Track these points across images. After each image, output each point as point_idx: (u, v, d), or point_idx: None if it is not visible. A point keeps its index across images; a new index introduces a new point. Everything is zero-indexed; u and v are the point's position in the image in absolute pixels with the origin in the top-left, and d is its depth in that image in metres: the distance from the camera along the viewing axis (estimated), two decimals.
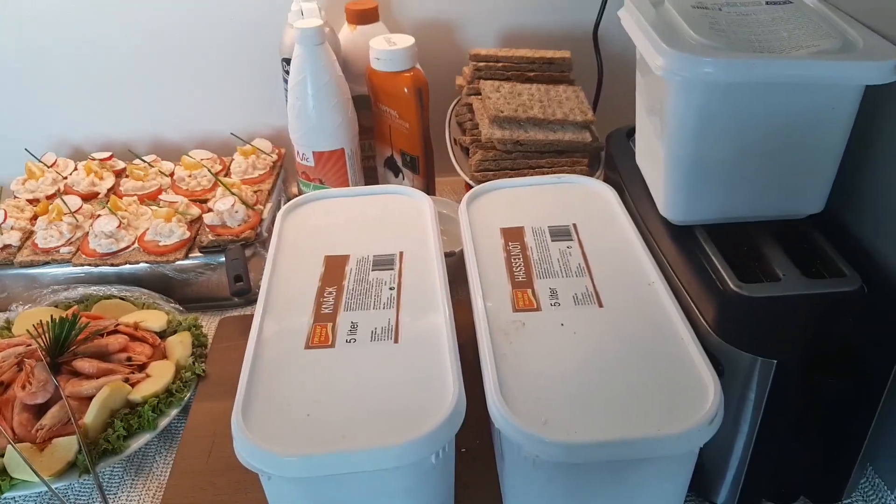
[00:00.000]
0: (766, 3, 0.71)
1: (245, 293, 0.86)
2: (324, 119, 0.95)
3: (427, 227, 0.75)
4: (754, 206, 0.65)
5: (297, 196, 1.09)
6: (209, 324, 0.91)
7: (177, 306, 0.92)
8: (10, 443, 0.70)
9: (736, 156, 0.63)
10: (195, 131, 1.20)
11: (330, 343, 0.61)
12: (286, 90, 1.05)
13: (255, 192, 1.03)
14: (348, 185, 1.01)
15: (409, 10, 1.11)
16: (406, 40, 0.98)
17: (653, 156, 0.70)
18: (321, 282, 0.68)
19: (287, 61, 1.02)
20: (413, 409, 0.54)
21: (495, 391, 0.54)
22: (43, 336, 0.79)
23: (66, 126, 1.18)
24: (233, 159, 1.11)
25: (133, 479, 0.74)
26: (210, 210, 0.98)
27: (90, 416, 0.73)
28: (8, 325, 0.89)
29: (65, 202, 0.98)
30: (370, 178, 1.10)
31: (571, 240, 0.72)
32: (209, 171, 1.05)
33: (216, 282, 0.95)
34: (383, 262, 0.71)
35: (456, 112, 1.06)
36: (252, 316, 0.91)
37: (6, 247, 0.94)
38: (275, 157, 1.11)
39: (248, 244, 0.95)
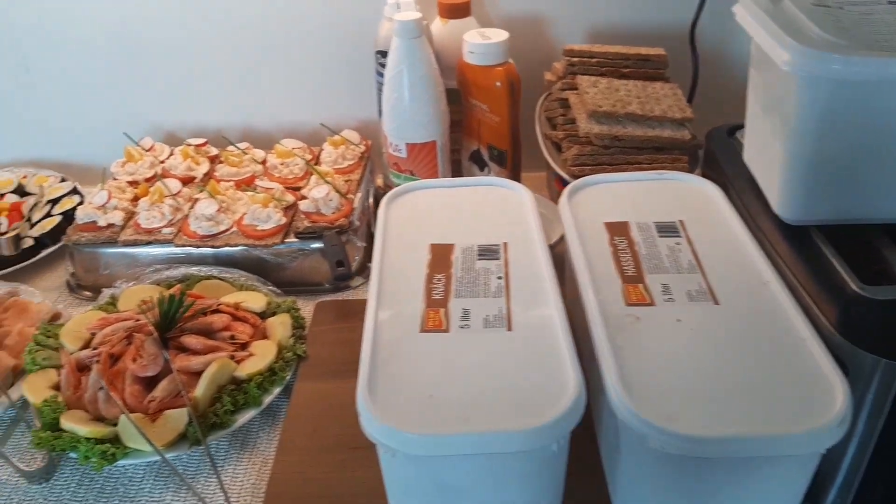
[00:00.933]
0: (889, 2, 0.70)
1: (347, 278, 0.88)
2: (418, 111, 0.97)
3: (529, 219, 0.76)
4: (875, 208, 0.64)
5: (381, 187, 1.12)
6: (303, 307, 0.93)
7: (274, 289, 0.94)
8: (124, 413, 0.73)
9: (860, 155, 0.62)
10: (284, 121, 1.22)
11: (444, 328, 0.62)
12: (379, 82, 1.07)
13: (346, 181, 1.05)
14: (437, 177, 1.02)
15: (500, 5, 1.12)
16: (500, 34, 0.99)
17: (767, 154, 0.69)
18: (429, 269, 0.70)
19: (382, 54, 1.04)
20: (534, 396, 0.55)
21: (618, 383, 0.54)
22: (152, 312, 0.83)
23: (161, 112, 1.22)
24: (322, 149, 1.13)
25: (238, 453, 0.76)
26: (305, 197, 1.01)
27: (200, 390, 0.76)
28: (113, 301, 0.92)
29: (165, 185, 1.02)
30: (454, 171, 1.11)
31: (679, 236, 0.71)
32: (303, 160, 1.07)
33: (308, 267, 0.98)
34: (488, 252, 0.71)
35: (545, 107, 1.06)
36: (348, 301, 0.96)
37: (110, 225, 0.98)
38: (363, 148, 1.13)
39: (342, 231, 0.97)
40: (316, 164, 1.11)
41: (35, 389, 0.79)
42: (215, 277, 0.94)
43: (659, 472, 0.55)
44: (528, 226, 0.75)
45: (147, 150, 1.14)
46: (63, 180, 1.19)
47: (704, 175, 0.86)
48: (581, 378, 0.55)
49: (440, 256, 0.71)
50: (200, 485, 0.73)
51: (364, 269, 1.01)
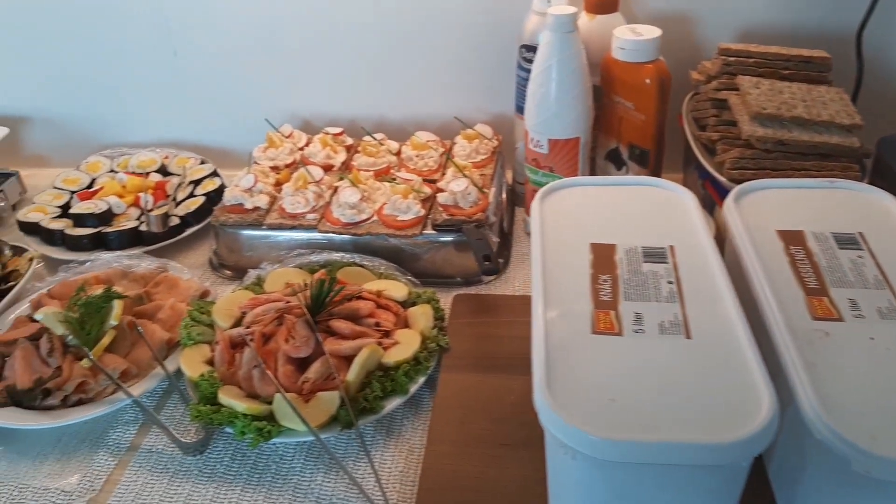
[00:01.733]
0: None
1: (494, 272, 0.88)
2: (565, 107, 0.95)
3: (695, 222, 0.73)
4: None
5: (511, 183, 1.11)
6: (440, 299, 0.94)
7: (412, 278, 0.95)
8: (281, 393, 0.75)
9: None
10: (415, 113, 1.23)
11: (617, 331, 0.61)
12: (520, 77, 1.06)
13: (481, 175, 1.05)
14: (577, 174, 1.00)
15: (646, 1, 1.09)
16: (652, 31, 0.96)
17: None
18: (593, 269, 0.68)
19: (527, 48, 1.02)
20: (723, 409, 0.52)
21: (815, 400, 0.52)
22: (303, 295, 0.85)
23: (297, 100, 1.24)
24: (454, 142, 1.14)
25: (385, 440, 0.77)
26: (441, 190, 1.01)
27: (352, 375, 0.77)
28: (259, 282, 0.95)
29: (309, 172, 1.04)
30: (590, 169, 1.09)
31: (861, 249, 0.67)
32: (439, 153, 1.07)
33: (440, 259, 0.98)
34: (654, 255, 0.69)
35: (691, 107, 1.03)
36: (484, 296, 0.96)
37: (256, 208, 1.01)
38: (495, 142, 1.12)
39: (480, 226, 0.97)
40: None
41: (190, 363, 0.82)
42: (357, 265, 0.95)
43: (853, 495, 0.52)
44: (693, 229, 0.72)
45: (287, 137, 1.16)
46: (203, 162, 1.23)
47: (874, 185, 0.81)
48: (775, 394, 0.53)
49: (603, 256, 0.70)
50: (349, 467, 0.74)
51: (498, 265, 1.01)
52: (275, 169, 1.10)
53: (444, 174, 1.07)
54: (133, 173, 1.19)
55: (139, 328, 0.85)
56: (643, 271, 0.67)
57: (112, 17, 1.19)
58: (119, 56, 1.23)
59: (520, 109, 1.09)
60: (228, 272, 1.04)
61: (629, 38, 0.95)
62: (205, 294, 0.95)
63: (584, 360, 0.58)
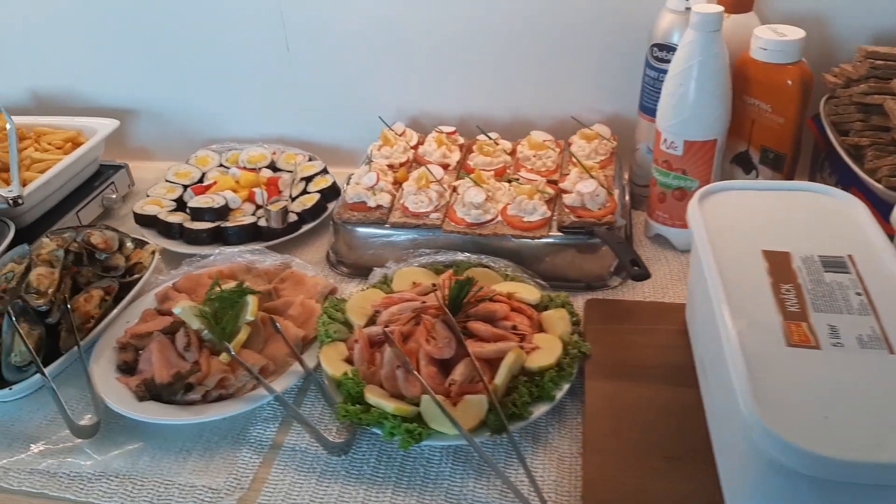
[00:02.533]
0: None
1: (644, 278, 0.85)
2: (705, 108, 0.92)
3: (871, 231, 0.70)
4: None
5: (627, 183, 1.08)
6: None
7: (540, 281, 0.93)
8: (431, 395, 0.73)
9: None
10: (525, 111, 1.21)
11: (814, 344, 0.58)
12: (648, 76, 1.03)
13: (605, 176, 1.02)
14: (710, 178, 0.97)
15: (781, 2, 1.05)
16: (796, 32, 0.93)
17: None
18: (771, 277, 0.65)
19: (659, 46, 1.00)
20: None
21: None
22: (440, 295, 0.83)
23: (406, 98, 1.23)
24: (571, 142, 1.11)
25: (532, 447, 0.75)
26: (566, 191, 0.99)
27: (499, 379, 0.75)
28: (385, 281, 0.94)
29: (430, 171, 1.02)
30: None
31: None
32: (556, 152, 1.05)
33: (563, 262, 0.96)
34: (834, 264, 0.66)
35: (828, 111, 0.99)
36: (616, 301, 0.93)
37: (378, 207, 1.00)
38: (614, 143, 1.10)
39: (610, 228, 0.94)
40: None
41: (331, 361, 0.81)
42: (484, 266, 0.93)
43: None
44: (869, 238, 0.69)
45: (399, 135, 1.15)
46: (311, 159, 1.23)
47: None
48: None
49: (779, 264, 0.67)
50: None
51: (620, 270, 0.98)
52: (390, 167, 1.09)
53: (562, 174, 1.04)
54: (245, 168, 1.20)
55: (277, 324, 0.84)
56: (826, 281, 0.64)
57: (227, 9, 1.19)
58: (230, 49, 1.23)
59: (645, 109, 1.06)
60: (346, 269, 1.03)
61: (772, 38, 0.92)
62: (333, 291, 0.94)
63: (784, 374, 0.55)
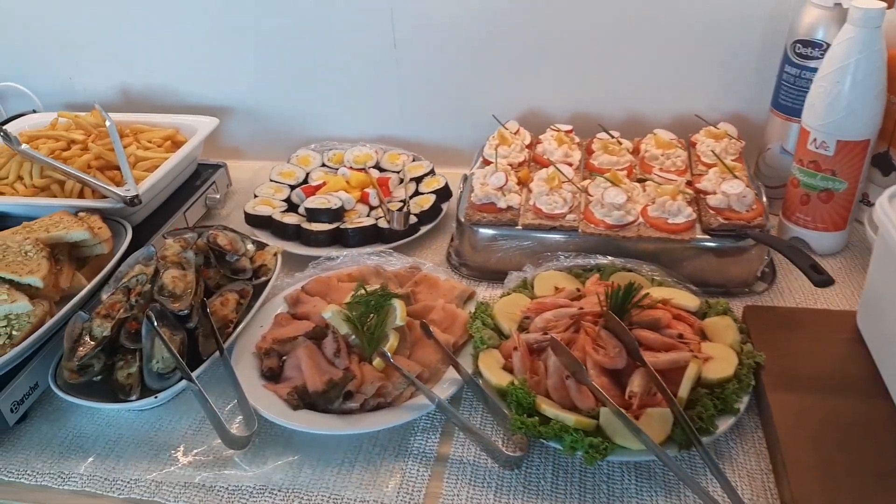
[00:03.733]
0: None
1: (828, 284, 0.81)
2: (862, 107, 0.88)
3: None
4: None
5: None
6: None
7: (691, 286, 0.89)
8: (614, 408, 0.69)
9: None
10: (640, 108, 1.17)
11: None
12: (788, 73, 0.99)
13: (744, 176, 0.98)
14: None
15: None
16: None
17: None
18: None
19: (802, 43, 0.96)
20: None
21: None
22: (601, 301, 0.79)
23: (517, 96, 1.19)
24: (695, 141, 1.08)
25: (723, 464, 0.71)
26: (706, 192, 0.95)
27: (683, 391, 0.72)
28: (525, 285, 0.90)
29: (561, 171, 0.99)
30: None
31: None
32: (715, 154, 1.00)
33: (706, 266, 0.92)
34: None
35: None
36: (776, 309, 0.89)
37: (509, 208, 0.96)
38: (743, 142, 1.06)
39: (762, 231, 0.90)
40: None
41: (490, 370, 0.78)
42: (629, 270, 0.90)
43: None
44: None
45: (514, 133, 1.12)
46: (415, 159, 1.19)
47: None
48: None
49: None
50: (686, 493, 0.68)
51: (765, 275, 0.95)
52: (513, 166, 1.05)
53: (694, 174, 1.01)
54: (352, 168, 1.16)
55: (431, 330, 0.81)
56: None
57: (335, 6, 1.16)
58: (334, 46, 1.20)
59: (780, 107, 1.02)
60: (468, 271, 1.00)
61: None
62: (472, 295, 0.91)
63: None
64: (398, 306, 0.83)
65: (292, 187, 1.15)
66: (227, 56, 1.25)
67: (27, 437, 0.79)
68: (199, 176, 1.17)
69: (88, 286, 0.86)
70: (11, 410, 0.78)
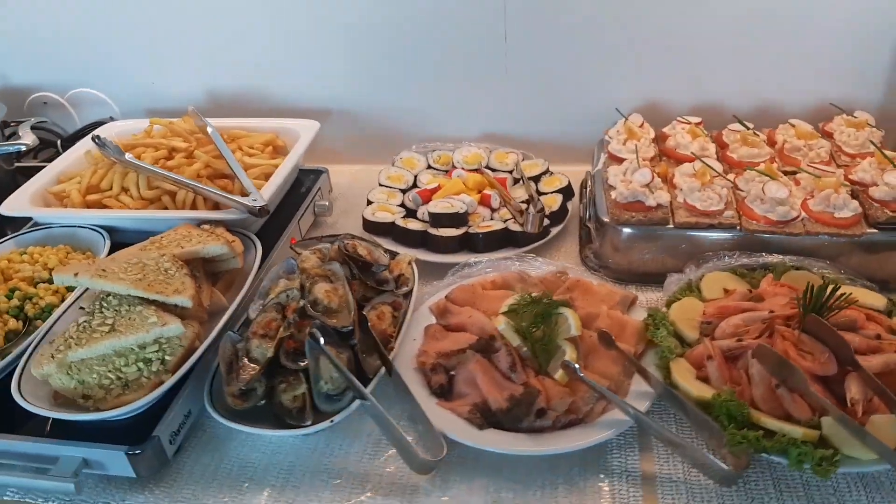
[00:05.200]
0: None
1: None
2: None
3: None
4: None
5: None
6: None
7: (867, 283, 0.84)
8: (841, 417, 0.65)
9: None
10: (764, 98, 1.12)
11: None
12: None
13: None
14: None
15: None
16: None
17: None
18: None
19: None
20: None
21: None
22: (792, 303, 0.75)
23: (633, 89, 1.14)
24: (830, 131, 1.03)
25: None
26: (863, 183, 0.90)
27: None
28: (690, 287, 0.85)
29: (710, 165, 0.94)
30: None
31: None
32: (873, 143, 0.96)
33: (871, 261, 0.88)
34: None
35: None
36: None
37: (659, 206, 0.91)
38: (881, 132, 1.01)
39: None
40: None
41: (686, 380, 0.73)
42: (798, 268, 0.85)
43: None
44: None
45: (639, 127, 1.07)
46: (525, 158, 1.14)
47: None
48: None
49: None
50: None
51: None
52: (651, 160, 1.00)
53: (839, 165, 0.96)
54: (468, 170, 1.11)
55: (613, 340, 0.76)
56: None
57: (445, 2, 1.10)
58: (440, 43, 1.14)
59: None
60: (607, 274, 0.95)
61: None
62: (634, 301, 0.86)
63: None
64: (570, 316, 0.78)
65: (403, 191, 1.10)
66: (323, 56, 1.19)
67: (188, 470, 0.74)
68: (301, 183, 1.12)
69: (234, 303, 0.81)
70: (170, 442, 0.73)
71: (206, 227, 0.90)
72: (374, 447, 0.74)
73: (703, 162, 0.95)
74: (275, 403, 0.74)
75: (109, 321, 0.74)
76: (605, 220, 0.93)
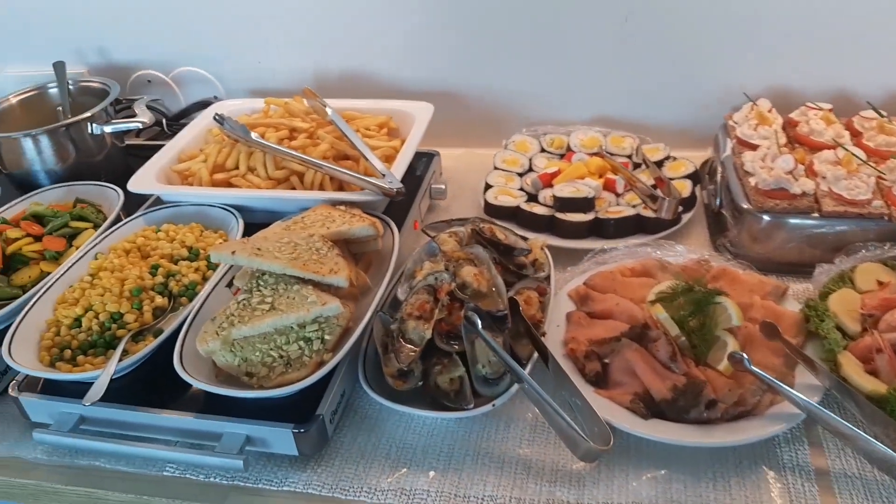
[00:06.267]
0: None
1: None
2: None
3: None
4: None
5: None
6: None
7: None
8: None
9: None
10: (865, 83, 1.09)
11: None
12: None
13: None
14: None
15: None
16: None
17: None
18: None
19: None
20: None
21: None
22: None
23: (759, 72, 1.11)
24: None
25: None
26: None
27: None
28: (843, 278, 0.83)
29: (854, 153, 0.91)
30: None
31: None
32: None
33: None
34: None
35: None
36: None
37: (804, 194, 0.89)
38: None
39: None
40: None
41: (858, 375, 0.71)
42: None
43: None
44: None
45: (768, 112, 1.04)
46: (644, 142, 1.12)
47: None
48: None
49: None
50: None
51: None
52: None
53: None
54: (589, 153, 1.09)
55: (778, 330, 0.74)
56: None
57: None
58: (556, 24, 1.12)
59: None
60: (744, 262, 0.93)
61: None
62: (785, 291, 0.84)
63: None
64: (729, 305, 0.76)
65: (519, 175, 1.09)
66: (431, 37, 1.18)
67: (346, 449, 0.74)
68: (414, 167, 1.11)
69: (383, 284, 0.80)
70: (330, 421, 0.73)
71: (343, 207, 0.90)
72: (530, 433, 0.74)
73: (847, 150, 0.92)
74: (430, 386, 0.74)
75: (269, 300, 0.74)
76: (746, 207, 0.91)
